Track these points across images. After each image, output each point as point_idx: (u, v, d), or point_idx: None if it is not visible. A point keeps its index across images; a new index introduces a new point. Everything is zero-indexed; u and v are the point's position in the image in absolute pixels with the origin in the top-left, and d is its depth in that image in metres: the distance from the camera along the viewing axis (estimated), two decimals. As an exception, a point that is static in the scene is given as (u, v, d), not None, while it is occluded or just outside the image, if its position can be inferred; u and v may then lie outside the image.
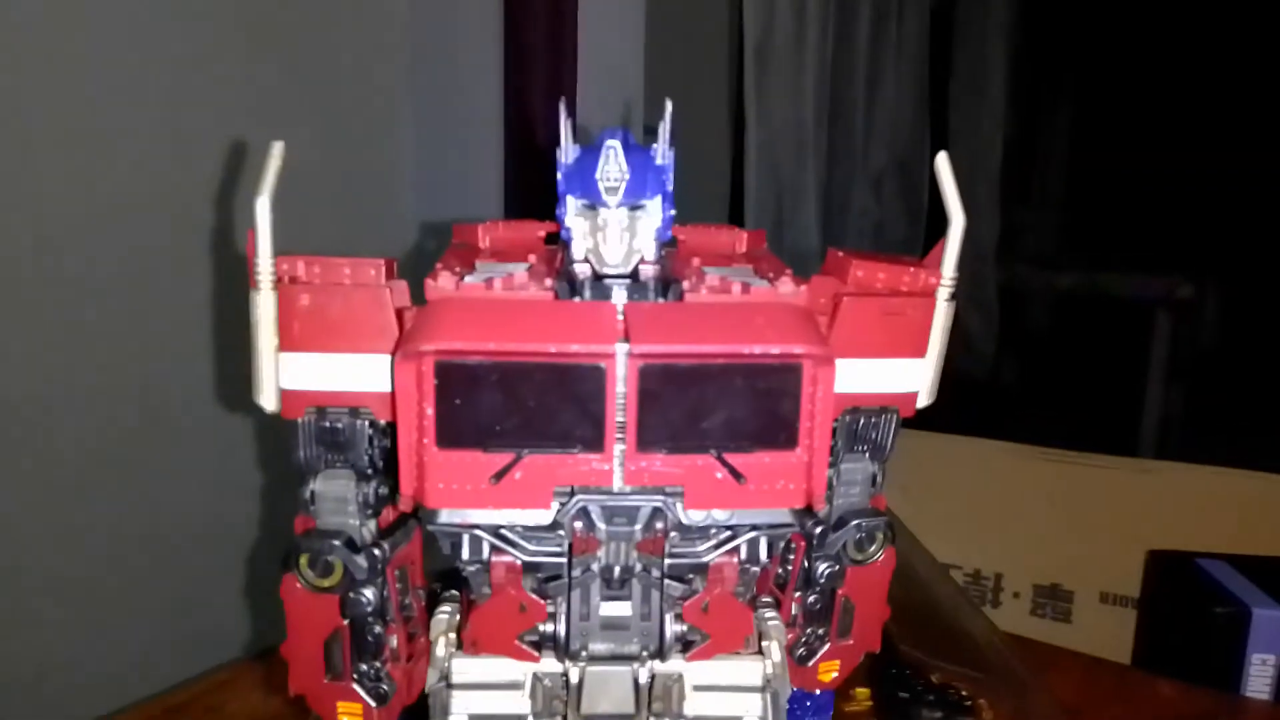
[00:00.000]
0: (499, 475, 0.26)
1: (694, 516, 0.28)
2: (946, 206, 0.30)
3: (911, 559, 0.73)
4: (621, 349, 0.26)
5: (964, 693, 0.55)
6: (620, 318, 0.26)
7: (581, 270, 0.29)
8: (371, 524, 0.31)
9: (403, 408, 0.26)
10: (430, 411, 0.26)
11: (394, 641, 0.32)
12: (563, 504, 0.27)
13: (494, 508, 0.27)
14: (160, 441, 0.65)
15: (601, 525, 0.28)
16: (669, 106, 0.30)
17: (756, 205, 1.40)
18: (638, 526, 0.28)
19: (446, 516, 0.27)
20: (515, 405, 0.26)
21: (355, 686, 0.31)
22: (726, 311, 0.27)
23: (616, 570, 0.28)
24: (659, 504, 0.27)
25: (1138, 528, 0.99)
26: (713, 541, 0.29)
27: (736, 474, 0.26)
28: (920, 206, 1.70)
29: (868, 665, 0.60)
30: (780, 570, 0.35)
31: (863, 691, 0.56)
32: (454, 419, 0.26)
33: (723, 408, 0.26)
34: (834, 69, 1.47)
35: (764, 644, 0.31)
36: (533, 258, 0.31)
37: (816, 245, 1.47)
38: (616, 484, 0.27)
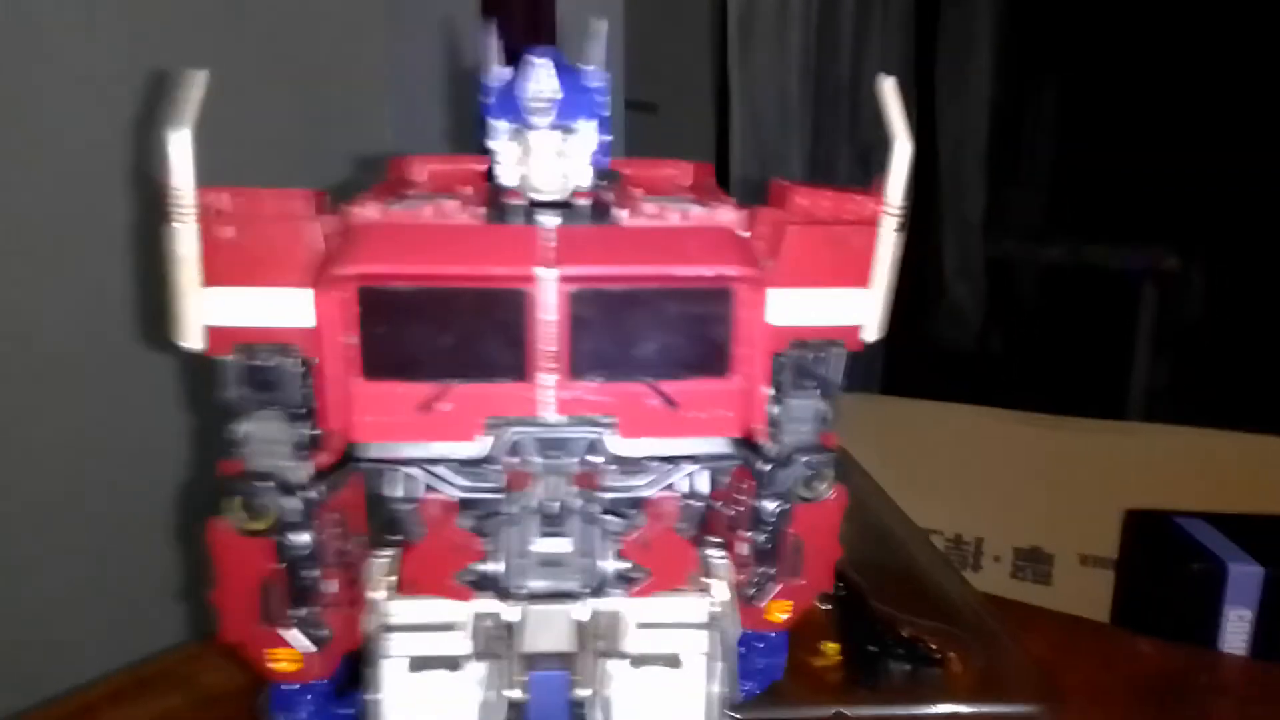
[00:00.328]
0: (426, 406, 0.25)
1: (630, 448, 0.27)
2: (890, 130, 0.29)
3: (889, 522, 0.73)
4: (548, 272, 0.25)
5: (933, 646, 0.55)
6: (550, 243, 0.26)
7: (512, 200, 0.28)
8: (306, 466, 0.30)
9: (325, 337, 0.25)
10: (353, 340, 0.25)
11: (331, 586, 0.31)
12: (495, 436, 0.27)
13: (422, 440, 0.26)
14: (75, 386, 0.62)
15: (536, 458, 0.27)
16: (601, 27, 0.29)
17: (742, 178, 1.39)
18: (573, 459, 0.27)
19: (375, 452, 0.27)
20: (440, 333, 0.25)
21: (292, 631, 0.31)
22: (659, 235, 0.26)
23: (553, 505, 0.28)
24: (593, 435, 0.27)
25: (1118, 490, 0.99)
26: (652, 475, 0.28)
27: (670, 401, 0.26)
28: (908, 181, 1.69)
29: (838, 620, 0.60)
30: (730, 511, 0.34)
31: (831, 646, 0.55)
32: (378, 348, 0.25)
33: (654, 333, 0.25)
34: (819, 42, 1.46)
35: (708, 581, 0.31)
36: (468, 189, 0.30)
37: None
38: (548, 415, 0.26)
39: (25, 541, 0.60)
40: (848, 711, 0.48)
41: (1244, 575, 0.78)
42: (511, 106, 0.27)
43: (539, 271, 0.24)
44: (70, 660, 0.59)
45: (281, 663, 0.31)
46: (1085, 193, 1.94)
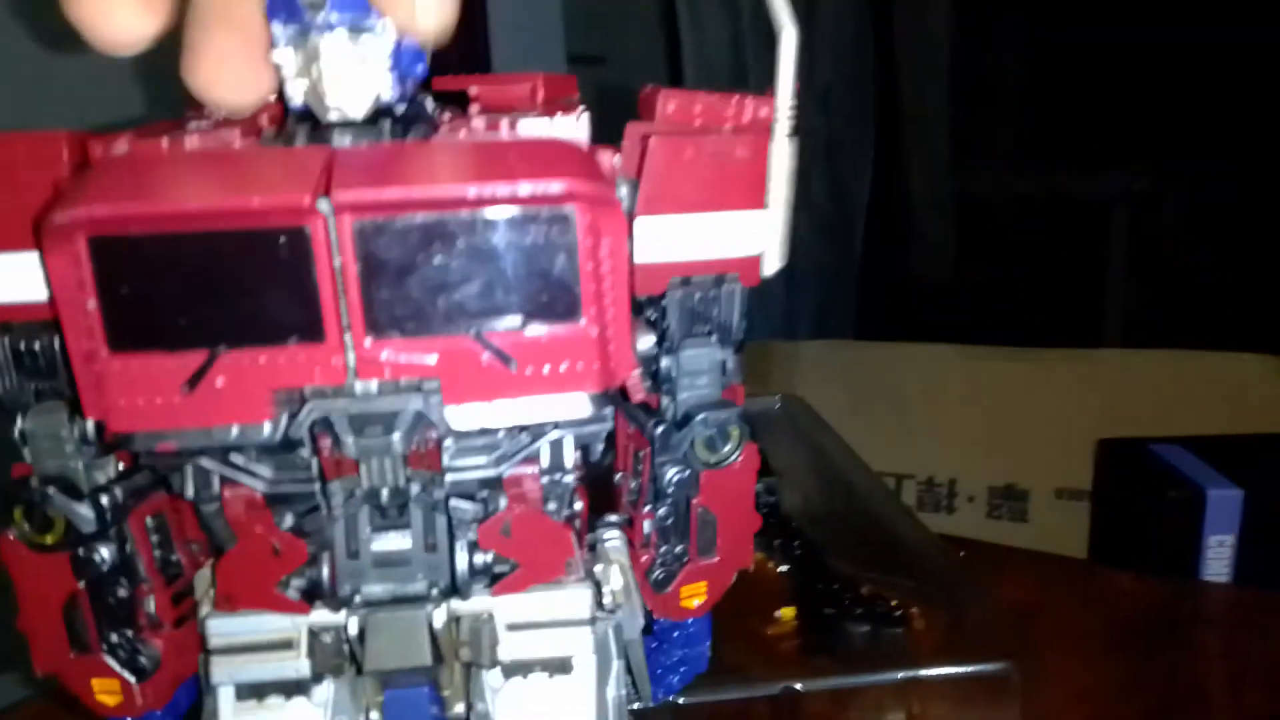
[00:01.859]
0: (193, 381, 0.20)
1: (465, 418, 0.22)
2: (772, 15, 0.24)
3: (850, 474, 0.69)
4: (327, 205, 0.20)
5: (894, 603, 0.51)
6: (333, 168, 0.20)
7: (302, 120, 0.22)
8: (105, 464, 0.25)
9: (62, 304, 0.20)
10: (93, 305, 0.20)
11: (151, 605, 0.27)
12: (293, 414, 0.22)
13: (197, 425, 0.21)
14: None
15: (348, 438, 0.22)
16: None
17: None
18: (396, 434, 0.22)
19: (145, 441, 0.22)
20: (200, 287, 0.20)
21: (107, 659, 0.26)
22: (474, 151, 0.21)
23: (384, 493, 0.23)
24: (418, 406, 0.22)
25: (1092, 419, 0.96)
26: (504, 449, 0.23)
27: (504, 356, 0.21)
28: (869, 123, 1.64)
29: (795, 584, 0.56)
30: (633, 485, 0.29)
31: (788, 611, 0.52)
32: (124, 313, 0.20)
33: (476, 272, 0.20)
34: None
35: (599, 568, 0.26)
36: (264, 117, 0.24)
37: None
38: (352, 382, 0.21)
39: None
40: (799, 686, 0.44)
41: (1223, 500, 0.75)
42: (294, 9, 0.21)
43: (317, 201, 0.19)
44: None
45: (104, 695, 0.27)
46: (1054, 119, 1.89)
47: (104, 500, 0.25)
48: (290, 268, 0.20)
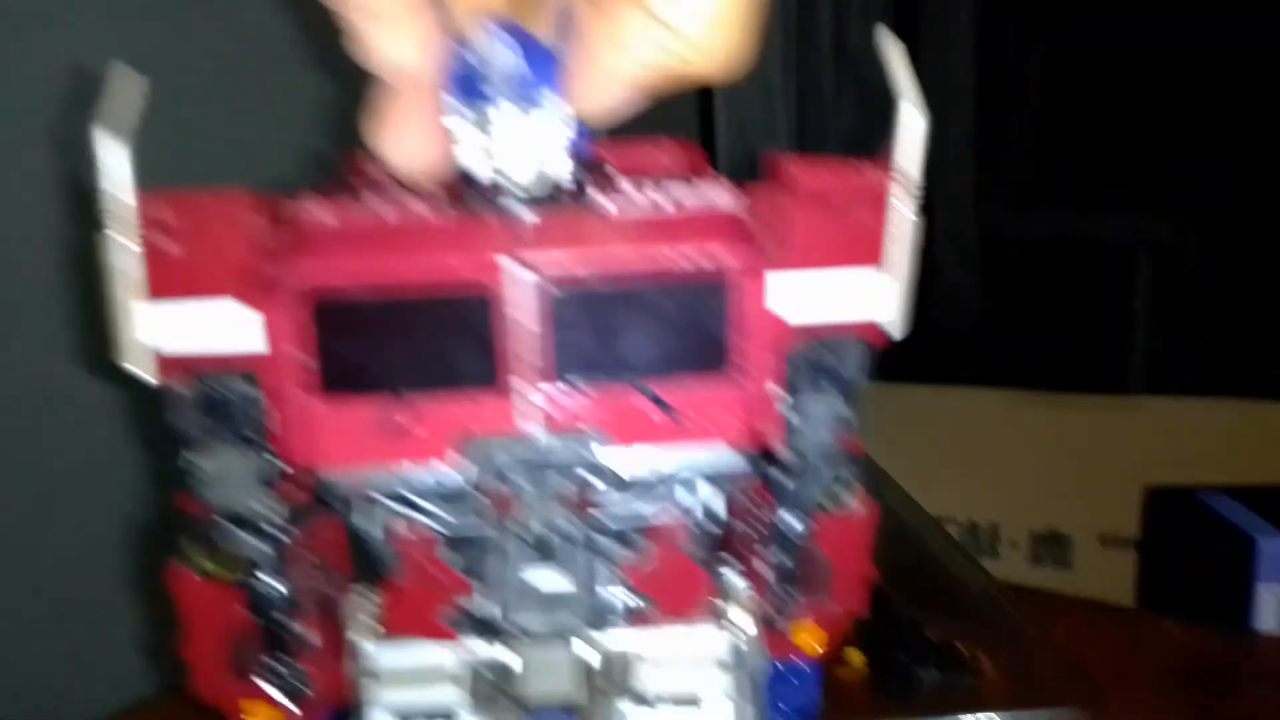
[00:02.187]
0: (390, 426, 0.22)
1: (628, 466, 0.24)
2: (894, 91, 0.26)
3: (901, 512, 0.70)
4: (517, 270, 0.22)
5: (962, 649, 0.52)
6: (520, 236, 0.23)
7: (482, 193, 0.25)
8: (277, 503, 0.27)
9: (273, 356, 0.22)
10: (304, 358, 0.22)
11: (309, 633, 0.28)
12: (471, 459, 0.23)
13: (389, 464, 0.23)
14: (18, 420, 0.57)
15: (520, 481, 0.24)
16: None
17: (728, 172, 1.36)
18: (560, 478, 0.24)
19: (341, 483, 0.24)
20: (402, 343, 0.22)
21: (268, 688, 0.28)
22: (643, 223, 0.23)
23: (544, 533, 0.25)
24: (584, 453, 0.24)
25: (1133, 466, 0.97)
26: (655, 496, 0.25)
27: (664, 405, 0.23)
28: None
29: (861, 627, 0.57)
30: (749, 529, 0.31)
31: (856, 655, 0.52)
32: (333, 365, 0.22)
33: (643, 332, 0.22)
34: (799, 24, 1.43)
35: (726, 609, 0.28)
36: (434, 185, 0.27)
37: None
38: (528, 429, 0.23)
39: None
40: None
41: (1275, 549, 0.75)
42: (469, 84, 0.24)
43: (509, 267, 0.21)
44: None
45: (259, 719, 0.28)
46: (1076, 162, 1.91)
47: (278, 534, 0.27)
48: (479, 326, 0.22)
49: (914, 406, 1.02)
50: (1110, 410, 1.03)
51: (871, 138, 0.26)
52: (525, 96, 0.23)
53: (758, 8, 0.22)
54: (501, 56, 0.23)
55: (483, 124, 0.24)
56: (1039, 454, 1.01)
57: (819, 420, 0.28)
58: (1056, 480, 0.99)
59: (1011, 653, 0.53)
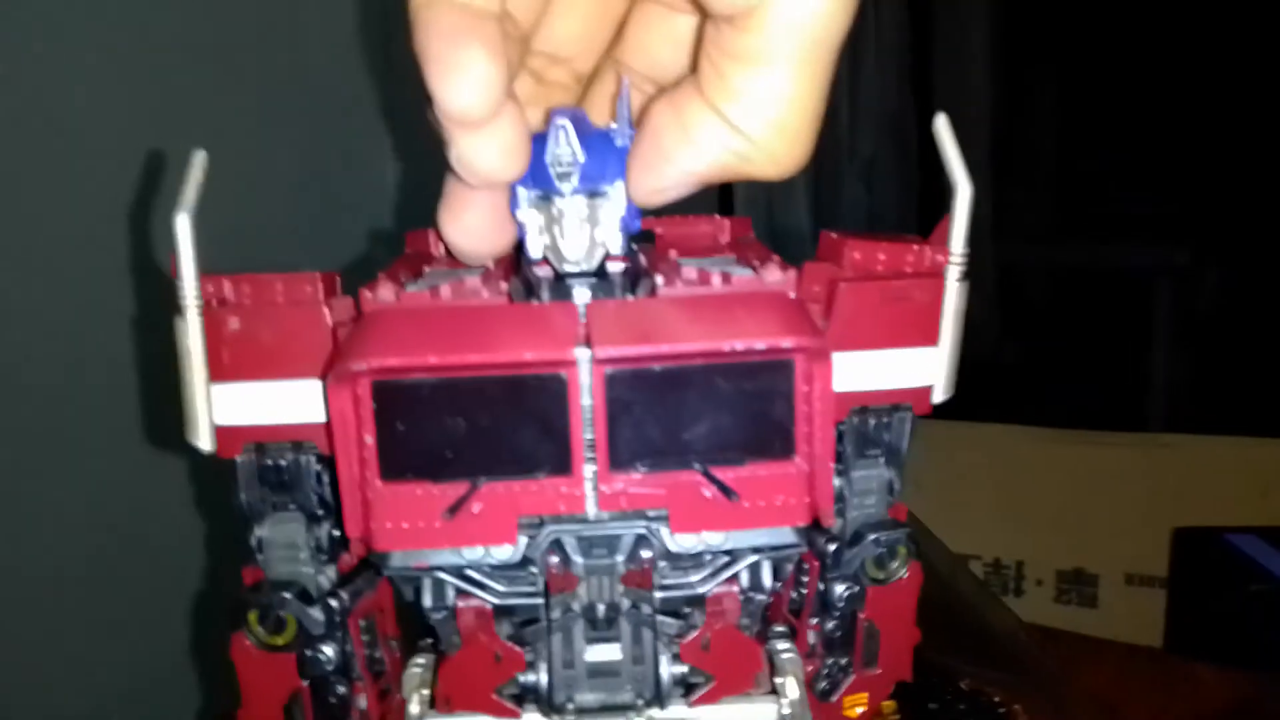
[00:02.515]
0: (454, 509, 0.23)
1: (684, 542, 0.24)
2: (950, 174, 0.26)
3: (928, 554, 0.70)
4: (584, 354, 0.22)
5: (996, 699, 0.51)
6: (583, 319, 0.23)
7: (541, 271, 0.25)
8: (330, 570, 0.28)
9: (340, 437, 0.23)
10: (370, 440, 0.22)
11: (362, 701, 0.29)
12: (531, 537, 0.24)
13: (451, 546, 0.23)
14: (84, 488, 0.58)
15: (578, 559, 0.24)
16: (625, 83, 0.27)
17: (746, 202, 1.37)
18: (620, 557, 0.24)
19: (401, 559, 0.24)
20: (466, 427, 0.22)
21: (321, 754, 0.28)
22: (703, 305, 0.24)
23: (601, 609, 0.25)
24: (642, 530, 0.24)
25: (1158, 505, 0.96)
26: (709, 569, 0.25)
27: (727, 490, 0.23)
28: (911, 194, 1.67)
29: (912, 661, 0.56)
30: (795, 595, 0.31)
31: (888, 704, 0.52)
32: (398, 447, 0.22)
33: (706, 415, 0.23)
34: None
35: (778, 680, 0.28)
36: (490, 262, 0.27)
37: (809, 239, 1.45)
38: (590, 510, 0.23)
39: (39, 660, 0.56)
40: (915, 782, 0.45)
41: (1305, 593, 0.74)
42: (534, 171, 0.24)
43: (574, 354, 0.22)
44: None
45: (312, 786, 0.28)
46: (1092, 193, 1.91)
47: (332, 604, 0.27)
48: (547, 410, 0.22)
49: (940, 443, 1.02)
50: (1137, 448, 1.02)
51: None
52: (592, 187, 0.24)
53: (819, 116, 0.23)
54: (571, 149, 0.23)
55: (550, 213, 0.24)
56: (1065, 492, 1.00)
57: (868, 490, 0.28)
58: (1083, 518, 0.99)
59: (1045, 702, 0.53)
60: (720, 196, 1.37)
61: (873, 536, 0.28)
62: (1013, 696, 0.52)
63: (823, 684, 0.30)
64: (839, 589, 0.29)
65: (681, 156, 0.24)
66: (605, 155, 0.25)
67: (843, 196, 1.57)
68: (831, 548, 0.28)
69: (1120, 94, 1.82)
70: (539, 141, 0.24)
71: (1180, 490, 0.97)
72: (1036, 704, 0.52)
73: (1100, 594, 0.98)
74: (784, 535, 0.25)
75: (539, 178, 0.24)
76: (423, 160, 0.26)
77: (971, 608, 0.65)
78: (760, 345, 0.22)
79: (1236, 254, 1.74)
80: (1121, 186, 1.85)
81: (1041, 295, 2.00)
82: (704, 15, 0.23)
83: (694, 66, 0.24)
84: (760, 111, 0.23)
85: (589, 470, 0.23)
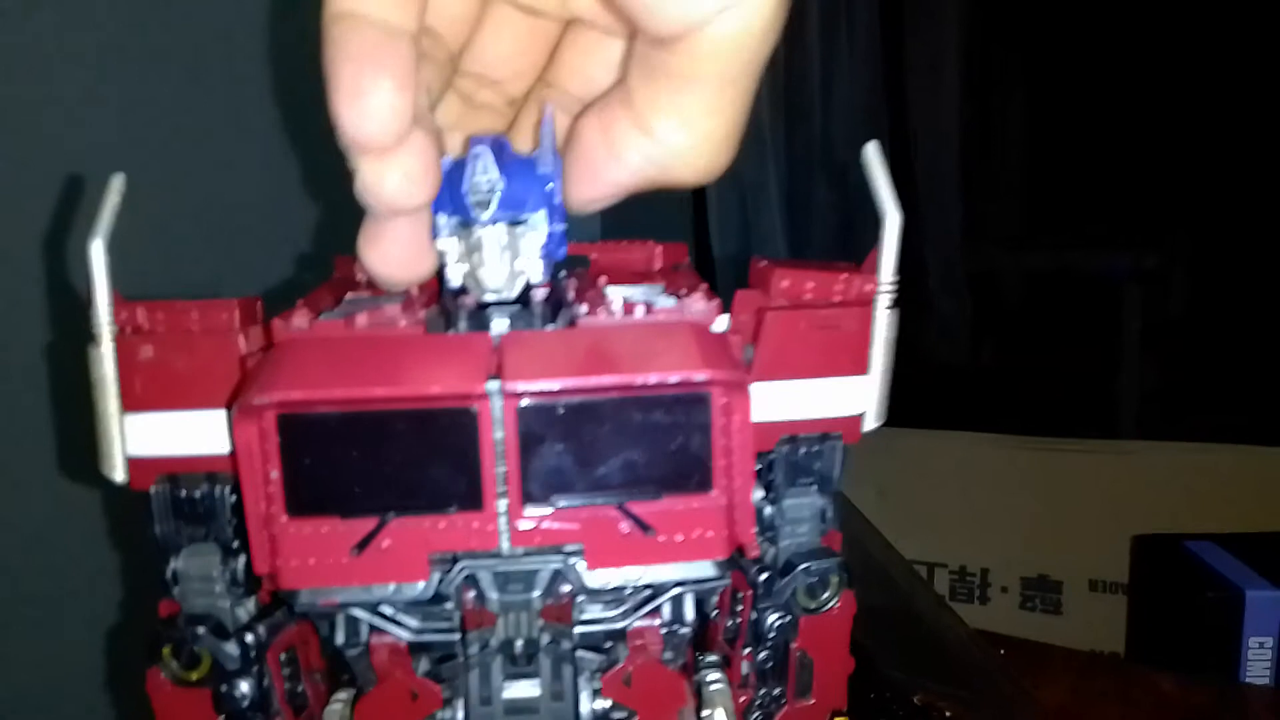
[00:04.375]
0: (361, 545, 0.22)
1: (602, 577, 0.24)
2: (879, 203, 0.26)
3: (888, 566, 0.70)
4: (495, 387, 0.22)
5: (948, 714, 0.51)
6: (496, 353, 0.23)
7: (461, 300, 0.25)
8: (248, 604, 0.27)
9: (245, 471, 0.22)
10: (275, 474, 0.22)
11: (281, 738, 0.28)
12: (445, 573, 0.23)
13: (360, 583, 0.23)
14: None
15: (493, 594, 0.24)
16: (549, 110, 0.27)
17: (719, 209, 1.37)
18: (537, 593, 0.24)
19: (309, 596, 0.23)
20: (375, 461, 0.22)
21: (238, 790, 0.27)
22: (619, 336, 0.23)
23: (518, 645, 0.24)
24: (558, 566, 0.23)
25: (1122, 512, 0.97)
26: (630, 604, 0.25)
27: (643, 525, 0.23)
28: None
29: (847, 690, 0.56)
30: (729, 624, 0.31)
31: None
32: (304, 482, 0.22)
33: (621, 449, 0.22)
34: (787, 72, 1.45)
35: (705, 713, 0.27)
36: (414, 289, 0.27)
37: (784, 244, 1.45)
38: (504, 546, 0.23)
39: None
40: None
41: (1262, 601, 0.75)
42: (452, 199, 0.24)
43: (485, 387, 0.21)
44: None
45: (228, 822, 0.28)
46: (1062, 198, 1.93)
47: (248, 638, 0.26)
48: (457, 444, 0.22)
49: (903, 451, 1.02)
50: (1102, 454, 1.03)
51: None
52: (513, 215, 0.24)
53: (742, 126, 0.23)
54: (489, 178, 0.23)
55: (470, 241, 0.24)
56: (1030, 499, 1.00)
57: (799, 519, 0.28)
58: (1047, 525, 0.99)
59: (996, 714, 0.53)
60: (695, 202, 1.37)
61: (804, 566, 0.28)
62: (965, 711, 0.52)
63: (756, 714, 0.30)
64: (771, 618, 0.28)
65: (607, 169, 0.24)
66: (527, 183, 0.24)
67: (816, 201, 1.58)
68: (763, 577, 0.28)
69: (1090, 102, 1.84)
70: (453, 170, 0.24)
71: (1144, 497, 0.98)
72: (988, 718, 0.53)
73: (1064, 601, 0.99)
74: (705, 568, 0.24)
75: (459, 205, 0.24)
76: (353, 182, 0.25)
77: (929, 621, 0.65)
78: (674, 378, 0.22)
79: (1204, 261, 1.76)
80: (1091, 194, 1.87)
81: (1012, 301, 2.02)
82: (634, 34, 0.23)
83: (621, 80, 0.24)
84: (685, 127, 0.23)
85: (502, 505, 0.23)
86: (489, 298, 0.24)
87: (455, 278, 0.24)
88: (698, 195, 1.33)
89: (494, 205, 0.23)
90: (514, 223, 0.24)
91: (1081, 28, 1.83)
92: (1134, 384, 1.68)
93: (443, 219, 0.24)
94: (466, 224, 0.24)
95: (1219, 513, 0.92)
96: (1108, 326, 1.75)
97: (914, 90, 1.79)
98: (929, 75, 1.78)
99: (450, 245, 0.24)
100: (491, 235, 0.24)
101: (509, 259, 0.24)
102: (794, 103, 1.46)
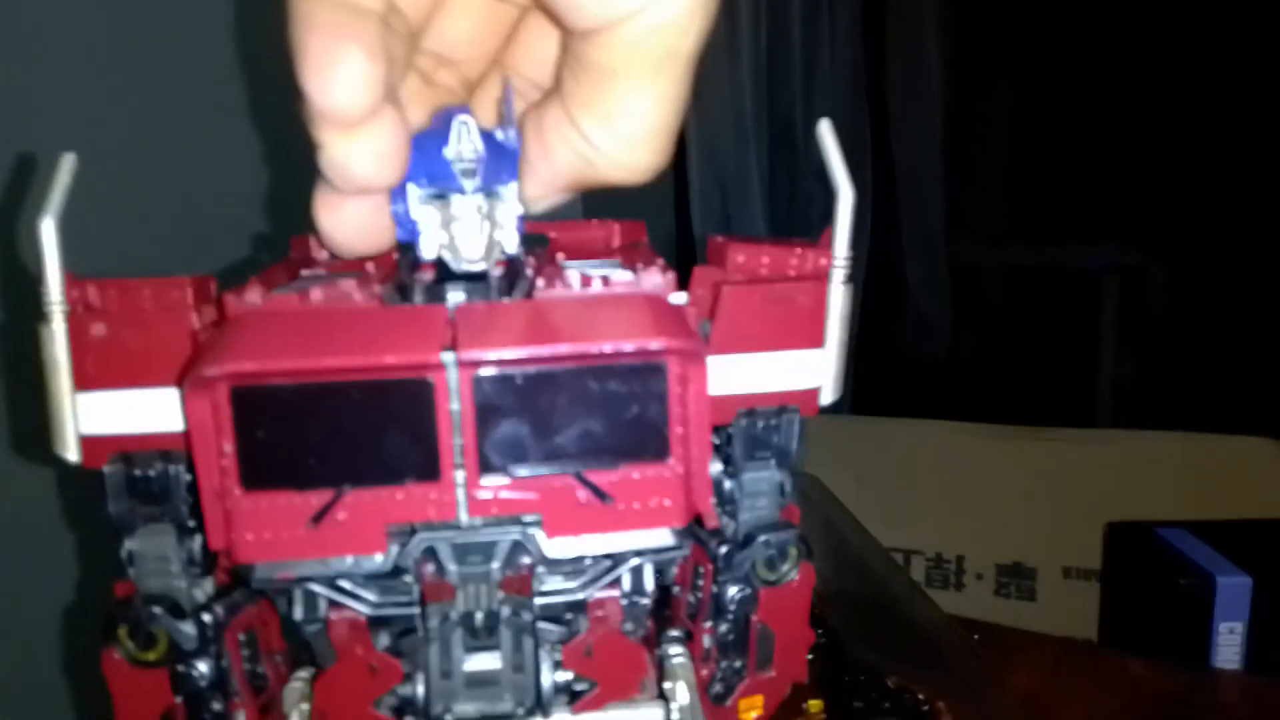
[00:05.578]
0: (318, 517, 0.22)
1: (562, 547, 0.24)
2: (832, 179, 0.26)
3: (862, 553, 0.71)
4: (450, 358, 0.22)
5: (921, 696, 0.52)
6: (451, 323, 0.23)
7: (417, 275, 0.25)
8: (206, 583, 0.27)
9: (198, 446, 0.22)
10: (229, 448, 0.22)
11: (241, 718, 0.28)
12: (403, 545, 0.23)
13: (317, 556, 0.23)
14: None
15: (452, 566, 0.24)
16: (509, 85, 0.27)
17: (701, 200, 1.38)
18: (496, 564, 0.24)
19: (265, 570, 0.23)
20: (329, 433, 0.22)
21: (198, 771, 0.27)
22: (575, 308, 0.23)
23: (479, 617, 0.24)
24: (517, 536, 0.23)
25: (1097, 499, 0.98)
26: (590, 575, 0.25)
27: (601, 494, 0.23)
28: (866, 193, 1.69)
29: (820, 674, 0.57)
30: (691, 599, 0.31)
31: (815, 704, 0.52)
32: (258, 455, 0.22)
33: (577, 419, 0.22)
34: (769, 64, 1.46)
35: (667, 685, 0.27)
36: (370, 265, 0.27)
37: (765, 235, 1.46)
38: (462, 517, 0.23)
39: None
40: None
41: (1233, 587, 0.76)
42: (429, 168, 0.24)
43: (439, 357, 0.21)
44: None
45: (189, 803, 0.28)
46: (1043, 193, 1.95)
47: (205, 618, 0.26)
48: (413, 415, 0.22)
49: (881, 439, 1.03)
50: (1076, 443, 1.04)
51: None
52: (489, 186, 0.24)
53: (672, 124, 0.23)
54: (474, 146, 0.23)
55: (447, 211, 0.24)
56: (1005, 487, 1.01)
57: (758, 492, 0.28)
58: (1023, 513, 1.00)
59: (969, 700, 0.53)
60: (676, 193, 1.37)
61: (763, 538, 0.28)
62: (937, 694, 0.53)
63: (717, 687, 0.30)
64: (731, 591, 0.28)
65: (540, 165, 0.24)
66: (501, 154, 0.24)
67: (798, 193, 1.58)
68: (723, 550, 0.28)
69: (1071, 97, 1.86)
70: (426, 140, 0.24)
71: (1118, 485, 0.99)
72: (960, 701, 0.53)
73: (1038, 587, 1.00)
74: (663, 537, 0.24)
75: (434, 175, 0.24)
76: (309, 160, 0.25)
77: (903, 606, 0.65)
78: (630, 347, 0.22)
79: (1180, 255, 1.79)
80: (1070, 190, 1.89)
81: (993, 294, 2.04)
82: (563, 29, 0.23)
83: (556, 78, 0.24)
84: (610, 123, 0.23)
85: (459, 476, 0.23)
86: (466, 268, 0.24)
87: (429, 250, 0.24)
88: (680, 190, 1.33)
89: (479, 175, 0.24)
90: (489, 194, 0.24)
91: (1062, 25, 1.85)
92: (1110, 375, 1.70)
93: (414, 189, 0.24)
94: (442, 195, 0.24)
95: (1192, 500, 0.94)
96: (1085, 319, 1.77)
97: (895, 86, 1.80)
98: (910, 71, 1.79)
99: (426, 216, 0.24)
100: (472, 205, 0.24)
101: (488, 229, 0.24)
102: (776, 101, 1.47)
